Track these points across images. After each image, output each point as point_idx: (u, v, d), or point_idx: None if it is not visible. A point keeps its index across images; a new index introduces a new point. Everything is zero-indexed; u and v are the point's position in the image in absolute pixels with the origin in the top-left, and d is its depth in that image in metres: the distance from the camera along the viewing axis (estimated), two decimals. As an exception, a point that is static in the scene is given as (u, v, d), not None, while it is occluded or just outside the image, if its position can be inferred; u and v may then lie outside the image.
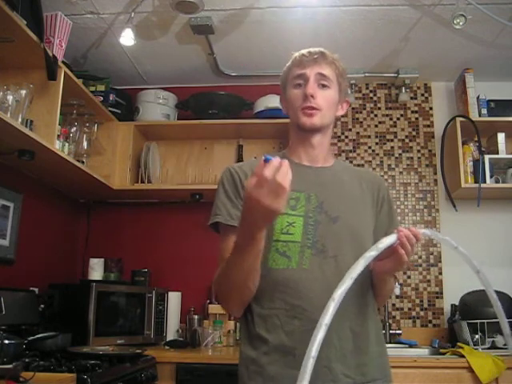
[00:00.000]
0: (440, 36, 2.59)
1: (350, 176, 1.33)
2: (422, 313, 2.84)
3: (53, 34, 2.14)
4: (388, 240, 0.97)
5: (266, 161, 0.91)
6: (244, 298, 1.16)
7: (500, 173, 2.77)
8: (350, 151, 3.08)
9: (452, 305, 2.70)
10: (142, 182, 2.86)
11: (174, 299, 2.78)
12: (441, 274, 2.87)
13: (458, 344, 2.39)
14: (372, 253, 0.89)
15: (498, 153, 2.75)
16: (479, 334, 2.36)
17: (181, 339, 2.66)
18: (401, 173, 3.04)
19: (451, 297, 2.75)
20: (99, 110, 2.68)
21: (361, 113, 3.14)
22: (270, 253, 1.16)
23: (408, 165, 3.04)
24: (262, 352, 1.14)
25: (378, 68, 2.99)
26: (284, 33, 2.58)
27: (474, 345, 2.35)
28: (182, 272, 2.94)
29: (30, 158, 2.12)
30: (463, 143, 2.78)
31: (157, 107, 2.97)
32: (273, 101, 2.83)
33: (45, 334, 1.88)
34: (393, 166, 3.05)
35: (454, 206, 2.87)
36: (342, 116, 3.09)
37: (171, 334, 2.71)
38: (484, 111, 2.81)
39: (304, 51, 1.28)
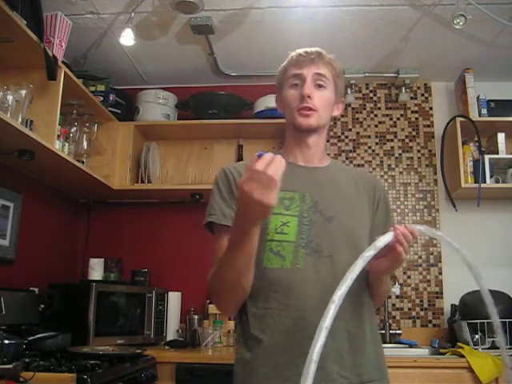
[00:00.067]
0: (440, 36, 2.59)
1: (346, 177, 1.32)
2: (421, 313, 2.84)
3: (53, 34, 2.14)
4: (385, 238, 0.96)
5: (260, 156, 0.93)
6: (238, 297, 1.15)
7: (500, 173, 2.77)
8: (350, 151, 3.08)
9: (452, 305, 2.70)
10: (142, 182, 2.86)
11: (173, 299, 2.78)
12: (441, 273, 2.87)
13: (458, 344, 2.39)
14: (370, 252, 0.88)
15: (498, 153, 2.75)
16: (479, 334, 2.36)
17: (181, 339, 2.67)
18: (401, 173, 3.04)
19: (451, 297, 2.75)
20: (99, 110, 2.68)
21: (361, 113, 3.13)
22: (264, 252, 1.16)
23: (408, 165, 3.04)
24: (256, 354, 1.13)
25: (377, 68, 2.99)
26: (284, 33, 2.58)
27: (474, 345, 2.35)
28: (181, 272, 2.94)
29: (30, 158, 2.13)
30: (463, 143, 2.77)
31: (157, 107, 2.97)
32: (273, 101, 2.78)
33: (45, 334, 1.88)
34: (393, 166, 3.04)
35: (454, 206, 2.87)
36: (342, 116, 3.10)
37: (171, 334, 2.71)
38: (484, 111, 2.81)
39: (301, 51, 1.27)
